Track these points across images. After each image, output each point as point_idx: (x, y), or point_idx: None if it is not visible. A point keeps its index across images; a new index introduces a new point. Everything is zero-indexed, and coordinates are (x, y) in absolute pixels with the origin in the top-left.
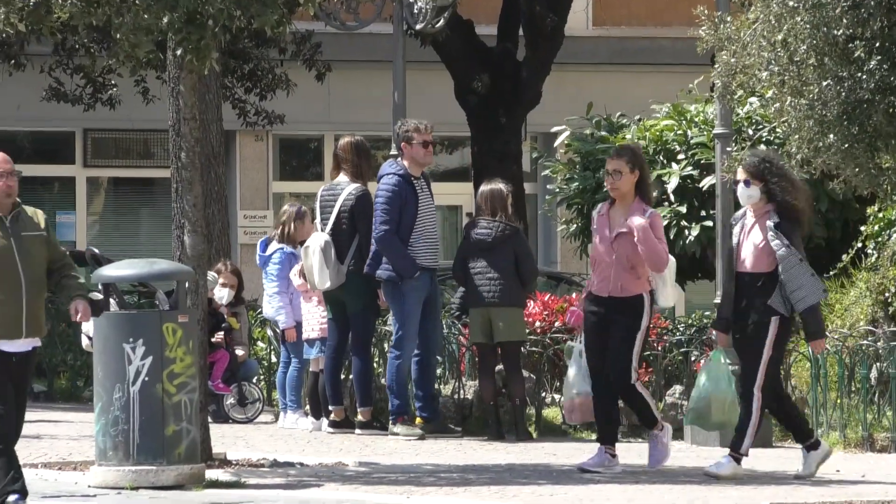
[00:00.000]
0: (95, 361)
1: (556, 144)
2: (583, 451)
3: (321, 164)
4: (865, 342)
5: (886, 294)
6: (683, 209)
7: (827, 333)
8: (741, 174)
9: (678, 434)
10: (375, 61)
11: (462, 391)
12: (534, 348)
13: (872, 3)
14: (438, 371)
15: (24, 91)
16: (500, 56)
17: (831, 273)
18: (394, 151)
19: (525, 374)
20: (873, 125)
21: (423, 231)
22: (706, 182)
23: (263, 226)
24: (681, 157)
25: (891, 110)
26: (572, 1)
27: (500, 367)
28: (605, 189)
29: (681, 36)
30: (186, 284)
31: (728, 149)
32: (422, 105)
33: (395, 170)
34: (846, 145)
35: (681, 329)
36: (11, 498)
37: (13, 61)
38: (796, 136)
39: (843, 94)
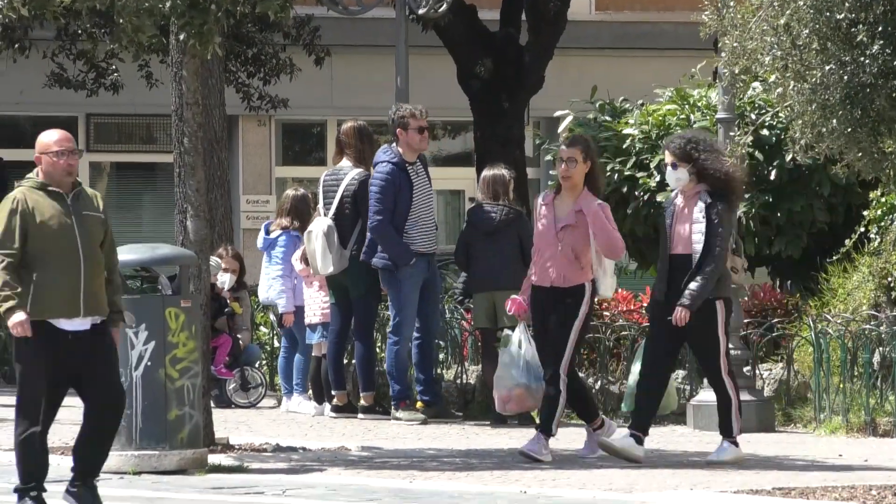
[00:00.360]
0: None
1: (559, 130)
2: (585, 436)
3: (324, 149)
4: (868, 326)
5: (889, 278)
6: None
7: (688, 305)
8: (668, 157)
9: (681, 419)
10: (378, 46)
11: (465, 376)
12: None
13: None
14: (441, 356)
15: (27, 76)
16: (502, 41)
17: (834, 258)
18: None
19: None
20: (876, 109)
21: (419, 217)
22: None
23: (266, 210)
24: None
25: (894, 94)
26: None
27: None
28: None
29: (683, 20)
30: (189, 269)
31: (731, 133)
32: (424, 90)
33: (388, 157)
34: (849, 130)
35: None
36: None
37: (16, 46)
38: (799, 121)
39: (846, 78)
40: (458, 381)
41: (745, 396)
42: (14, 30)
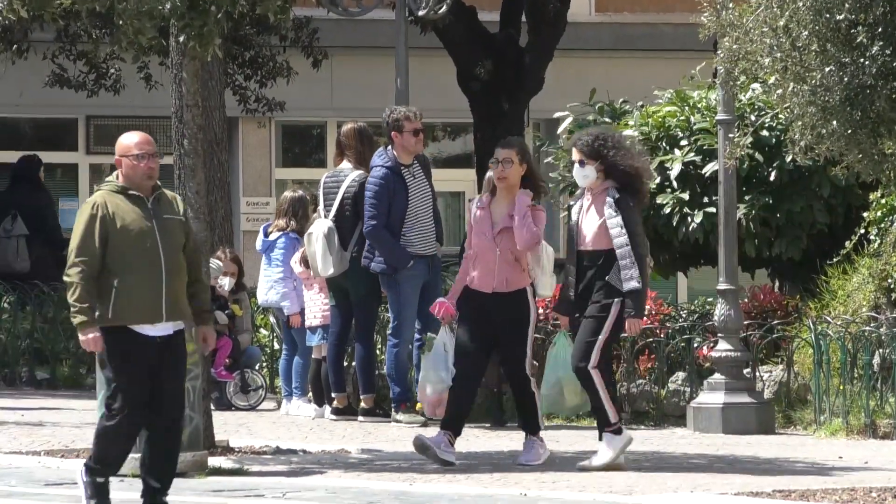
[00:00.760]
0: None
1: (559, 131)
2: (585, 438)
3: (324, 150)
4: (868, 328)
5: (889, 280)
6: (686, 196)
7: (644, 315)
8: (575, 154)
9: (681, 421)
10: (378, 47)
11: None
12: (536, 335)
13: None
14: None
15: (27, 78)
16: (502, 42)
17: (834, 259)
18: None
19: None
20: (876, 111)
21: (417, 219)
22: (709, 168)
23: (266, 212)
24: (683, 143)
25: (894, 96)
26: None
27: None
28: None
29: (683, 22)
30: None
31: (731, 135)
32: (424, 91)
33: (382, 161)
34: (849, 131)
35: (683, 315)
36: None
37: (16, 48)
38: (799, 123)
39: (846, 79)
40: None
41: (744, 398)
42: (13, 31)
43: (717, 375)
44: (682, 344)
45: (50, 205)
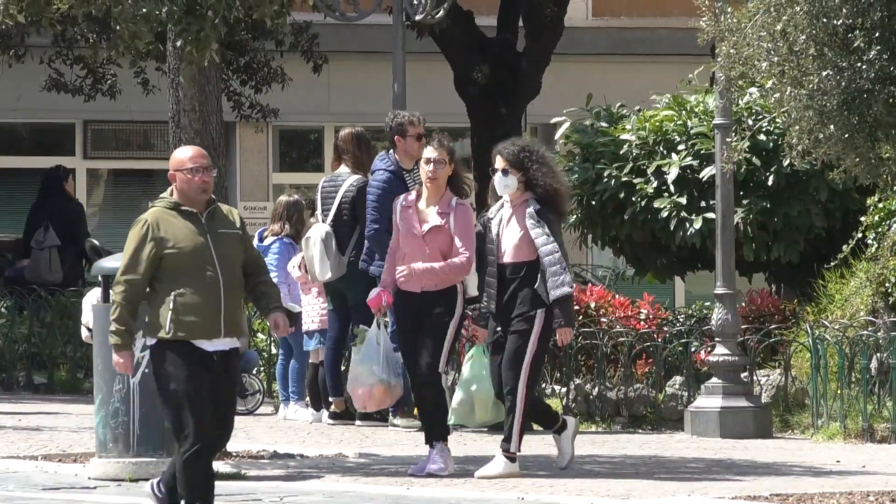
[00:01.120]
0: (95, 353)
1: (556, 136)
2: (582, 443)
3: (321, 155)
4: (866, 332)
5: (887, 284)
6: (684, 200)
7: (574, 323)
8: (500, 163)
9: (678, 425)
10: (375, 52)
11: None
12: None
13: None
14: None
15: (24, 82)
16: (500, 47)
17: (832, 263)
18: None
19: None
20: (873, 115)
21: None
22: (706, 172)
23: (263, 217)
24: (681, 147)
25: (891, 100)
26: None
27: None
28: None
29: (680, 26)
30: None
31: (728, 139)
32: (421, 96)
33: (385, 165)
34: (846, 135)
35: (680, 320)
36: None
37: (13, 52)
38: (796, 127)
39: (843, 84)
40: (456, 387)
41: (742, 402)
42: (11, 36)
43: (714, 379)
44: (680, 348)
45: (81, 215)
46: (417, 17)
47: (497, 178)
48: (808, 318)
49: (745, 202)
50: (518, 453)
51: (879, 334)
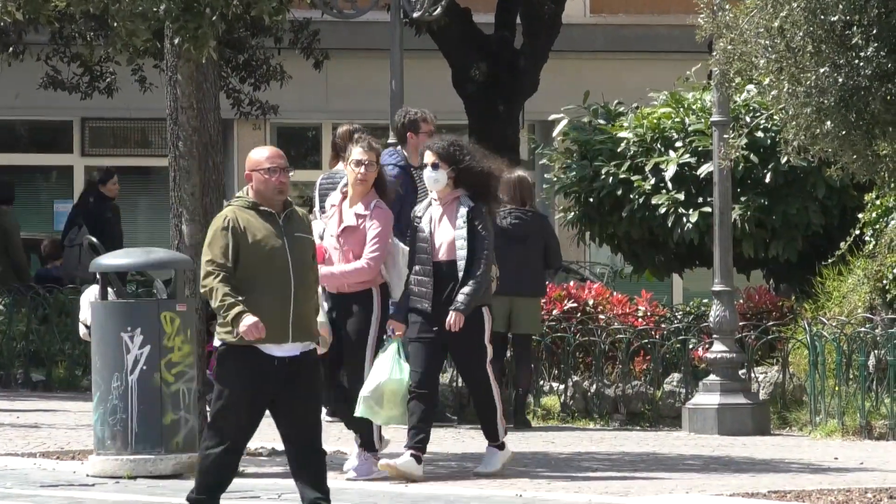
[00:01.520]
0: (93, 351)
1: (554, 133)
2: (581, 440)
3: (319, 152)
4: (863, 329)
5: (884, 281)
6: (681, 196)
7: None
8: (430, 157)
9: (676, 422)
10: (373, 49)
11: (460, 380)
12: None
13: None
14: None
15: (22, 80)
16: (497, 44)
17: (829, 260)
18: (392, 139)
19: None
20: (871, 112)
21: None
22: (704, 169)
23: None
24: (678, 144)
25: (888, 97)
26: None
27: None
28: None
29: (678, 23)
30: (184, 273)
31: (725, 136)
32: (419, 93)
33: (394, 160)
34: (844, 132)
35: (678, 316)
36: None
37: (11, 50)
38: (793, 124)
39: (841, 80)
40: (454, 384)
41: (740, 399)
42: (8, 34)
43: (712, 377)
44: (678, 345)
45: (114, 215)
46: (415, 15)
47: (426, 173)
48: (805, 314)
49: (742, 199)
50: (504, 439)
51: (877, 331)
